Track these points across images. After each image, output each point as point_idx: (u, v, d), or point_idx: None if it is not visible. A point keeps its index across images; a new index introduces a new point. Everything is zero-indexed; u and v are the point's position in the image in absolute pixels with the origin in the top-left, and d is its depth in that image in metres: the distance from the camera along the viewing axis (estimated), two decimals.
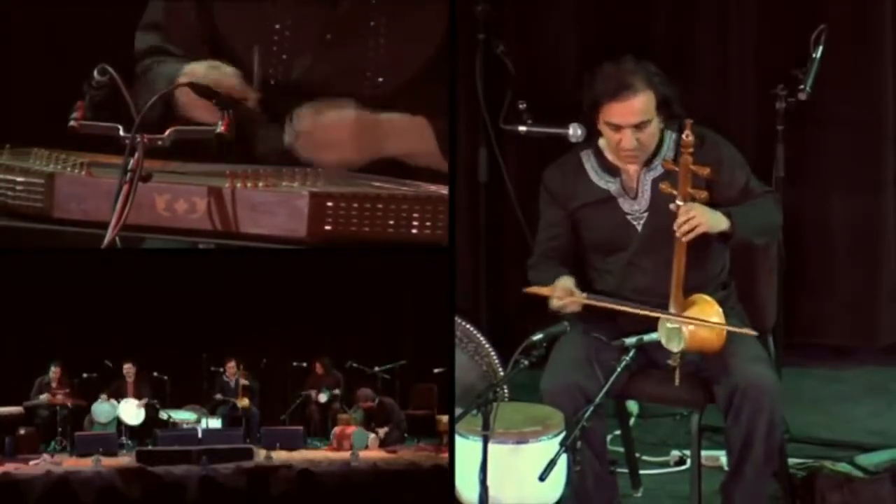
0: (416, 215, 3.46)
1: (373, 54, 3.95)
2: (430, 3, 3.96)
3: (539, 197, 4.68)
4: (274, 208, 3.42)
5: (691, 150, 4.27)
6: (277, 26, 3.95)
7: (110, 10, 4.14)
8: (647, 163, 4.51)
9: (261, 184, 3.49)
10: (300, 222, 3.41)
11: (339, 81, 3.91)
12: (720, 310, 4.35)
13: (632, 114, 4.40)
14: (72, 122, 3.53)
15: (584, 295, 4.41)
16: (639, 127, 4.41)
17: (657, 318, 4.32)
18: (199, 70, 3.85)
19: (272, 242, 3.43)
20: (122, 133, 3.47)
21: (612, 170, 4.56)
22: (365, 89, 3.94)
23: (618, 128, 4.41)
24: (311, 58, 3.95)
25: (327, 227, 3.42)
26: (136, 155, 3.37)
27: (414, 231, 3.46)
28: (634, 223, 4.54)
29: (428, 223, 3.46)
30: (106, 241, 3.30)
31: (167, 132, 3.58)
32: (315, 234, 3.42)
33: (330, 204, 3.42)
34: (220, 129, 3.54)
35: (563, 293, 4.39)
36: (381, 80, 3.95)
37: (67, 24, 4.97)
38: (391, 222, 3.44)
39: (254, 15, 3.97)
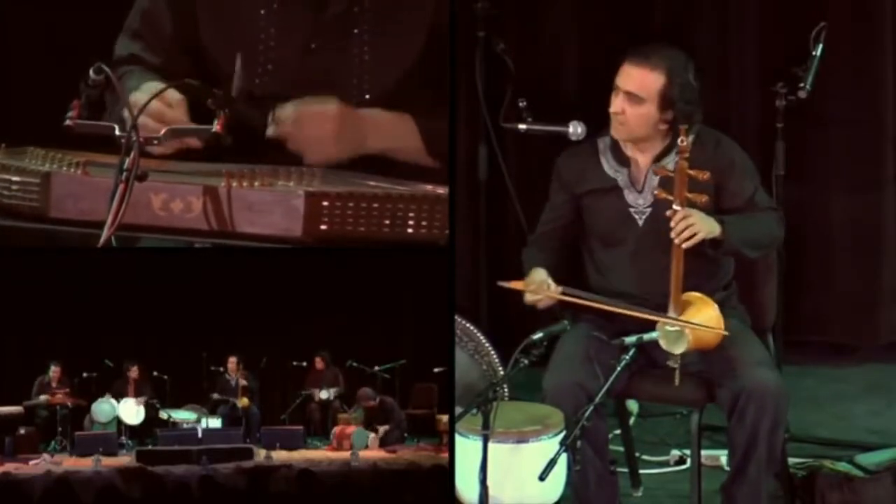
0: (412, 214, 3.45)
1: (358, 61, 3.93)
2: (412, 7, 3.94)
3: (547, 188, 4.67)
4: (270, 207, 3.41)
5: (687, 154, 4.25)
6: (262, 36, 3.94)
7: (107, 9, 4.12)
8: (658, 158, 4.49)
9: (256, 183, 3.47)
10: (296, 222, 3.40)
11: (325, 90, 3.88)
12: (716, 307, 4.33)
13: (631, 80, 4.38)
14: (68, 121, 3.52)
15: (559, 289, 4.36)
16: (630, 97, 4.39)
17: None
18: (141, 100, 3.62)
19: (268, 242, 3.42)
20: (118, 132, 3.46)
21: (622, 160, 4.54)
22: (352, 96, 3.92)
23: (617, 91, 4.40)
24: (297, 67, 3.93)
25: (323, 227, 3.41)
26: (132, 154, 3.35)
27: (410, 230, 3.45)
28: (636, 217, 4.52)
29: (424, 222, 3.45)
30: (102, 240, 3.29)
31: (163, 131, 3.58)
32: (311, 234, 3.41)
33: (326, 203, 3.41)
34: (216, 128, 3.53)
35: (537, 287, 4.36)
36: (367, 86, 3.94)
37: (64, 23, 4.97)
38: (387, 222, 3.43)
39: (239, 26, 3.94)
